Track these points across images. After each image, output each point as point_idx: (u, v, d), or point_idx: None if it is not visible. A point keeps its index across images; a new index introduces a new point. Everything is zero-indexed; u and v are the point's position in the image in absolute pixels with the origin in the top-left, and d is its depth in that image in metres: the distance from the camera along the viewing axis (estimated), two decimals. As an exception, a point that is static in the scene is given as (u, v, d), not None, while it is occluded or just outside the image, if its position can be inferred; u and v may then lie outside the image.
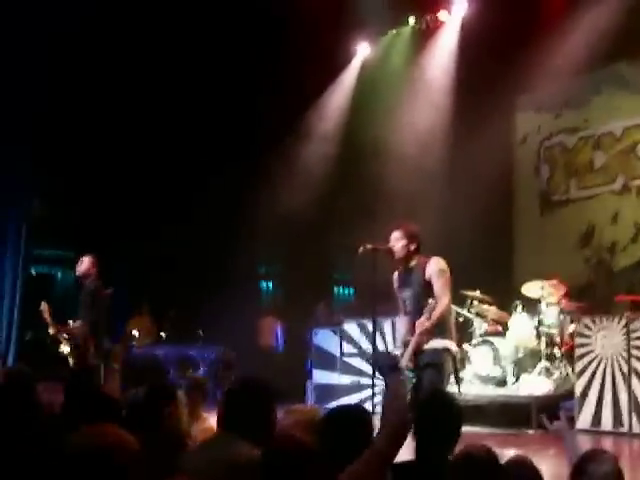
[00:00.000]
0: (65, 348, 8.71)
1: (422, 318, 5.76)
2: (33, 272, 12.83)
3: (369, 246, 6.05)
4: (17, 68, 11.36)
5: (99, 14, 11.34)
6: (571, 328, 9.40)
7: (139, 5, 11.56)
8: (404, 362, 5.65)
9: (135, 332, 12.23)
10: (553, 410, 8.54)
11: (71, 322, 8.76)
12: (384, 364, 2.95)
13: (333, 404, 8.36)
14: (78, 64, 11.67)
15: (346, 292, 15.14)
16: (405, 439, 2.95)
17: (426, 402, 3.71)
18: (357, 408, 3.61)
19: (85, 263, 8.87)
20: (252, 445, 2.98)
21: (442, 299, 5.83)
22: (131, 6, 11.52)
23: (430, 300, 5.76)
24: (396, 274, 6.11)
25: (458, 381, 6.39)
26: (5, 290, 11.98)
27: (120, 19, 11.57)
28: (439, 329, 5.86)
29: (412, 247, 5.97)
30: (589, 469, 2.87)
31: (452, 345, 5.96)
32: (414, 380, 5.78)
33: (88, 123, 12.17)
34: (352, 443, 3.08)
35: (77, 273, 8.98)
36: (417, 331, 5.76)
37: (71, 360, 8.66)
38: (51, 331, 8.72)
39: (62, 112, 11.81)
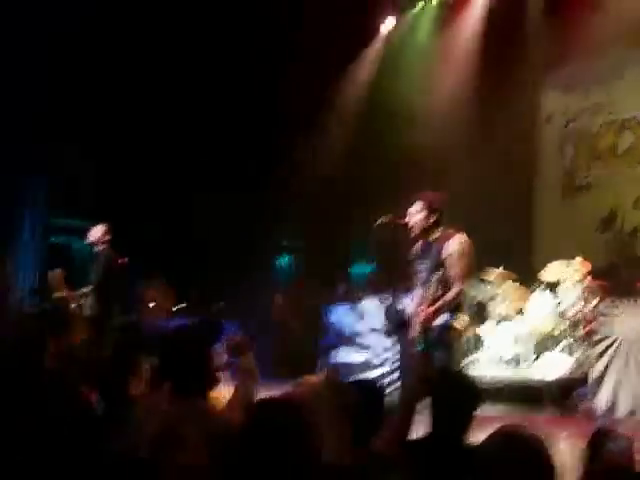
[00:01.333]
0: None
1: (431, 290, 5.62)
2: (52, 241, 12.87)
3: (386, 218, 5.85)
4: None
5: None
6: (591, 309, 9.27)
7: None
8: (412, 334, 5.55)
9: (151, 304, 12.22)
10: (570, 392, 8.50)
11: (84, 289, 8.80)
12: (393, 321, 2.88)
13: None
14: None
15: (366, 270, 15.04)
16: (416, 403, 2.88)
17: (439, 382, 3.64)
18: (370, 383, 3.55)
19: (96, 231, 8.91)
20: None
21: (456, 284, 5.67)
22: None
23: (438, 273, 5.61)
24: (417, 246, 5.93)
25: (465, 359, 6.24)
26: (24, 260, 12.03)
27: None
28: (450, 308, 5.72)
29: (432, 219, 5.77)
30: (603, 449, 2.81)
31: (459, 323, 5.80)
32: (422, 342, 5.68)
33: (106, 89, 12.13)
34: (364, 417, 3.03)
35: (88, 241, 9.03)
36: (424, 308, 5.63)
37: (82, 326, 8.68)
38: (63, 294, 8.74)
39: (80, 84, 11.79)
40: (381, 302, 10.40)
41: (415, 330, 5.58)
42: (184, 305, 12.78)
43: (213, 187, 12.49)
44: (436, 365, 5.45)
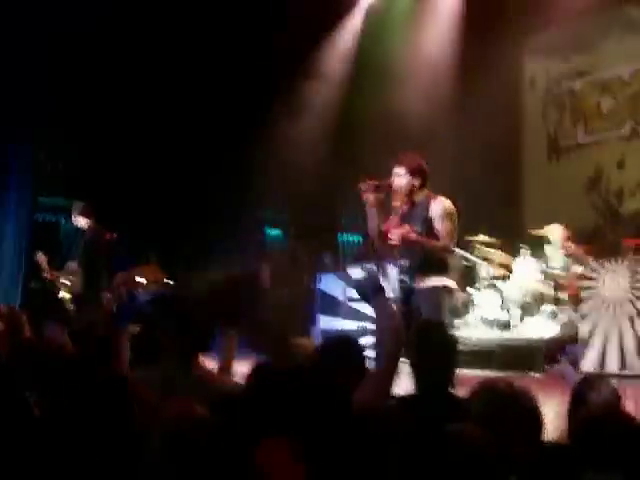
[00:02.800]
0: (64, 294, 8.75)
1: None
2: (39, 219, 12.83)
3: (370, 182, 5.75)
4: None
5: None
6: (577, 270, 9.36)
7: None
8: (394, 239, 5.54)
9: (142, 279, 12.21)
10: (558, 353, 8.58)
11: (70, 264, 8.80)
12: (367, 288, 2.90)
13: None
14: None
15: (354, 239, 15.06)
16: (399, 355, 2.92)
17: (420, 333, 3.67)
18: (347, 337, 3.62)
19: (79, 209, 8.92)
20: None
21: (444, 240, 5.71)
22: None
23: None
24: (402, 208, 5.88)
25: (454, 319, 6.27)
26: (10, 238, 11.99)
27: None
28: (437, 268, 5.73)
29: (416, 182, 5.74)
30: (588, 397, 2.85)
31: (450, 282, 5.83)
32: (404, 284, 5.71)
33: (92, 73, 12.05)
34: (346, 369, 3.09)
35: (73, 220, 9.05)
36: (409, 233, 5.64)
37: (71, 305, 8.72)
38: (47, 276, 8.77)
39: (66, 65, 11.72)
40: (363, 270, 10.45)
41: (395, 239, 5.60)
42: (172, 281, 12.81)
43: (196, 159, 12.46)
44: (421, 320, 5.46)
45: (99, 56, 11.84)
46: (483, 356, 9.56)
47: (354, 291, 10.77)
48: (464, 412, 2.57)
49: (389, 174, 5.91)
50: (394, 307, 4.58)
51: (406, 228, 5.59)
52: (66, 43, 11.48)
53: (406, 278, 5.79)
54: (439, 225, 5.68)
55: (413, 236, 5.59)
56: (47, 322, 5.82)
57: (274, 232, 15.14)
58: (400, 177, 5.76)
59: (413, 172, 5.77)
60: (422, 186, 5.80)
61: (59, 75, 11.64)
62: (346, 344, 3.35)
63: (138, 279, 12.17)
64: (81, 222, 9.00)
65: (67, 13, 11.12)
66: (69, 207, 9.62)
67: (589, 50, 12.10)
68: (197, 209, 12.78)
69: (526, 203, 12.57)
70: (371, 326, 10.05)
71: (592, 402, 2.84)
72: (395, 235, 5.60)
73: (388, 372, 2.81)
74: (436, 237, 5.67)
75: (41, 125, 12.10)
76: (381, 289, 2.89)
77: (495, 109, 11.21)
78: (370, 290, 2.88)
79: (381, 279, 5.78)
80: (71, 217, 9.24)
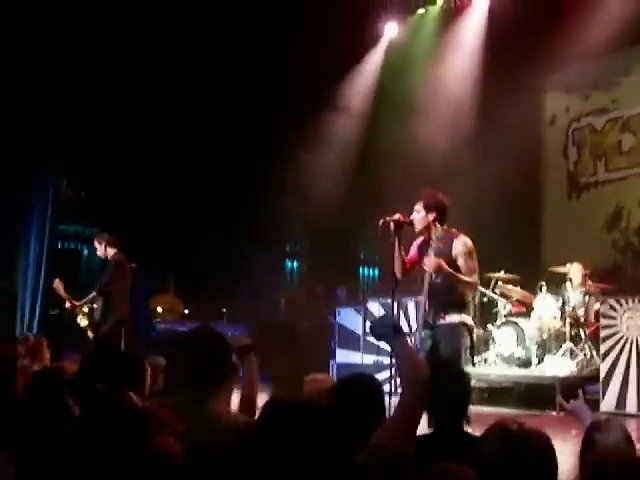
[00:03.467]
0: (83, 321, 8.80)
1: (439, 280, 5.71)
2: (59, 246, 12.93)
3: (390, 218, 5.83)
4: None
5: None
6: (596, 309, 9.30)
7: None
8: (430, 318, 5.59)
9: (159, 308, 12.28)
10: (576, 392, 8.50)
11: (93, 294, 8.87)
12: (384, 329, 2.88)
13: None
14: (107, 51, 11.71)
15: (371, 273, 15.08)
16: (426, 394, 2.88)
17: (435, 371, 3.66)
18: (366, 376, 3.58)
19: (102, 239, 9.02)
20: None
21: (471, 277, 5.81)
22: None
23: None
24: (415, 243, 6.00)
25: (473, 356, 6.31)
26: (31, 265, 12.06)
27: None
28: (458, 305, 5.79)
29: (431, 217, 5.84)
30: (598, 440, 2.82)
31: (469, 320, 5.89)
32: (430, 340, 5.74)
33: (114, 103, 12.18)
34: (363, 409, 3.07)
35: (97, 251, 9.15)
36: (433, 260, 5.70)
37: (90, 333, 8.77)
38: (67, 305, 8.83)
39: (89, 95, 11.84)
40: (382, 306, 10.46)
41: (430, 266, 5.68)
42: (192, 310, 12.86)
43: (221, 187, 12.53)
44: (439, 359, 5.52)
45: (119, 88, 11.97)
46: (501, 393, 9.52)
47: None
48: (478, 452, 2.55)
49: (408, 208, 6.02)
50: (415, 349, 4.59)
51: (440, 259, 5.67)
52: (86, 77, 11.64)
53: (426, 314, 5.84)
54: (463, 263, 5.78)
55: (447, 267, 5.67)
56: (65, 350, 5.86)
57: (292, 264, 15.18)
58: (418, 212, 5.88)
59: (428, 207, 5.88)
60: (439, 221, 5.86)
61: (80, 108, 11.77)
62: (365, 384, 3.30)
63: (156, 308, 12.26)
64: (107, 252, 9.07)
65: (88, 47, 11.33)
66: (89, 235, 9.72)
67: (609, 88, 12.13)
68: (216, 238, 12.84)
69: (546, 240, 12.54)
70: (388, 361, 10.02)
71: (601, 444, 2.81)
72: (431, 262, 5.68)
73: (412, 419, 2.78)
74: (463, 270, 5.77)
75: (63, 156, 12.22)
76: (399, 331, 2.87)
77: (515, 145, 11.21)
78: (388, 332, 2.85)
79: (400, 314, 5.83)
80: (95, 246, 9.31)
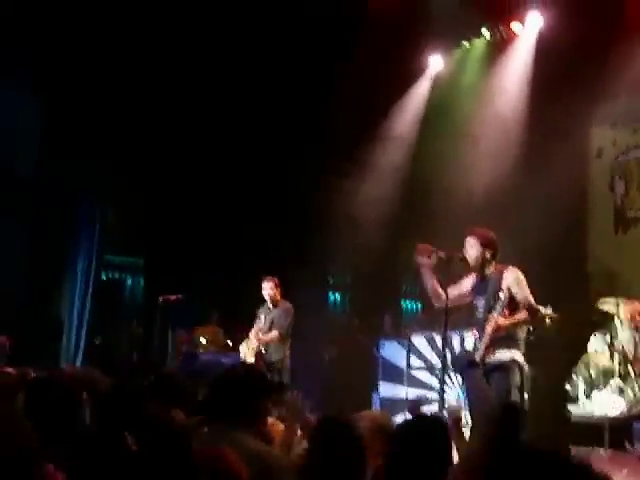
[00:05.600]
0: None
1: (495, 313, 5.62)
2: (104, 277, 13.02)
3: (441, 253, 5.84)
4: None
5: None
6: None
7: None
8: (477, 356, 5.51)
9: (202, 339, 12.28)
10: (626, 430, 8.32)
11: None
12: (461, 362, 2.83)
13: (399, 418, 8.26)
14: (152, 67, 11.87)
15: (413, 306, 14.99)
16: (496, 430, 2.82)
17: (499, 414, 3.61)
18: (434, 419, 3.46)
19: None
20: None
21: (529, 305, 5.73)
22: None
23: (501, 294, 5.61)
24: (470, 280, 5.97)
25: (523, 393, 6.21)
26: (76, 294, 12.17)
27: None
28: (509, 340, 5.73)
29: (488, 254, 5.84)
30: None
31: (520, 356, 5.82)
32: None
33: (161, 135, 12.32)
34: (427, 454, 2.97)
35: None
36: (490, 325, 5.61)
37: None
38: None
39: (137, 129, 12.02)
40: (427, 340, 10.39)
41: (480, 354, 5.57)
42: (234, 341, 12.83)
43: (260, 219, 12.58)
44: (493, 394, 5.43)
45: (165, 121, 12.12)
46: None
47: (416, 359, 10.63)
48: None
49: (452, 239, 6.00)
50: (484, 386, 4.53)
51: (491, 322, 5.58)
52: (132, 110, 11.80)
53: (475, 350, 5.76)
54: (519, 294, 5.72)
55: (503, 322, 5.61)
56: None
57: (335, 296, 15.14)
58: (472, 247, 5.84)
59: (485, 244, 5.85)
60: (493, 258, 5.84)
61: (126, 142, 11.93)
62: (434, 428, 3.14)
63: (199, 339, 12.27)
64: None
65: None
66: (134, 265, 9.78)
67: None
68: (259, 269, 12.85)
69: (592, 275, 12.35)
70: (432, 395, 9.90)
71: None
72: (489, 330, 5.59)
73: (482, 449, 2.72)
74: (517, 306, 5.70)
75: (109, 188, 12.38)
76: (473, 365, 2.82)
77: (562, 178, 11.10)
78: (463, 366, 2.81)
79: (445, 348, 5.77)
80: (142, 276, 9.38)
